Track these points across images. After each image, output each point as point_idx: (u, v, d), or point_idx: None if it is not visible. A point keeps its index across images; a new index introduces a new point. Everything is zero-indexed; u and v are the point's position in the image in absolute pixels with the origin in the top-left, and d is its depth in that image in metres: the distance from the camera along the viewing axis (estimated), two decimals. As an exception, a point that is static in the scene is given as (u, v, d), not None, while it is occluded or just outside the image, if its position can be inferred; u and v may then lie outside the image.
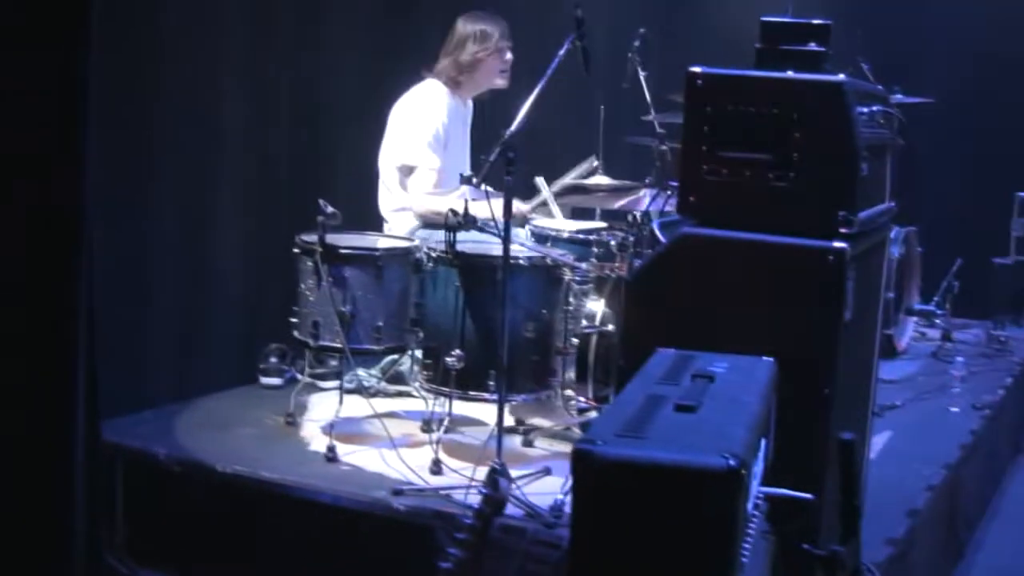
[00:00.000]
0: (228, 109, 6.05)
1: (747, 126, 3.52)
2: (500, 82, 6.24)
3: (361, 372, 5.89)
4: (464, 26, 6.18)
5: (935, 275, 7.55)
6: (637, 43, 6.08)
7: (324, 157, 6.69)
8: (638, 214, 5.30)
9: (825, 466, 3.48)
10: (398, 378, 6.04)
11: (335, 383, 5.98)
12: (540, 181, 6.04)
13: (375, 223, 6.08)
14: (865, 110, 3.58)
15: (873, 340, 4.12)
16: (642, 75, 6.16)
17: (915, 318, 7.46)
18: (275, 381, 6.12)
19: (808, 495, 3.17)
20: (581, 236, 5.63)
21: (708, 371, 3.18)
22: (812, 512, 3.36)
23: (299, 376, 6.09)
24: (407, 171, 6.03)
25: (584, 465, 2.60)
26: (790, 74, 3.53)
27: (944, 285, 7.34)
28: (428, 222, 5.98)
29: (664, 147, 6.10)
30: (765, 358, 3.36)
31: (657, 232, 3.83)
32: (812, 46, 3.60)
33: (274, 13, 6.27)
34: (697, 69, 3.58)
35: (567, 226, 5.80)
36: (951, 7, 8.49)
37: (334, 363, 6.07)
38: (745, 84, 3.56)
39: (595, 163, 6.22)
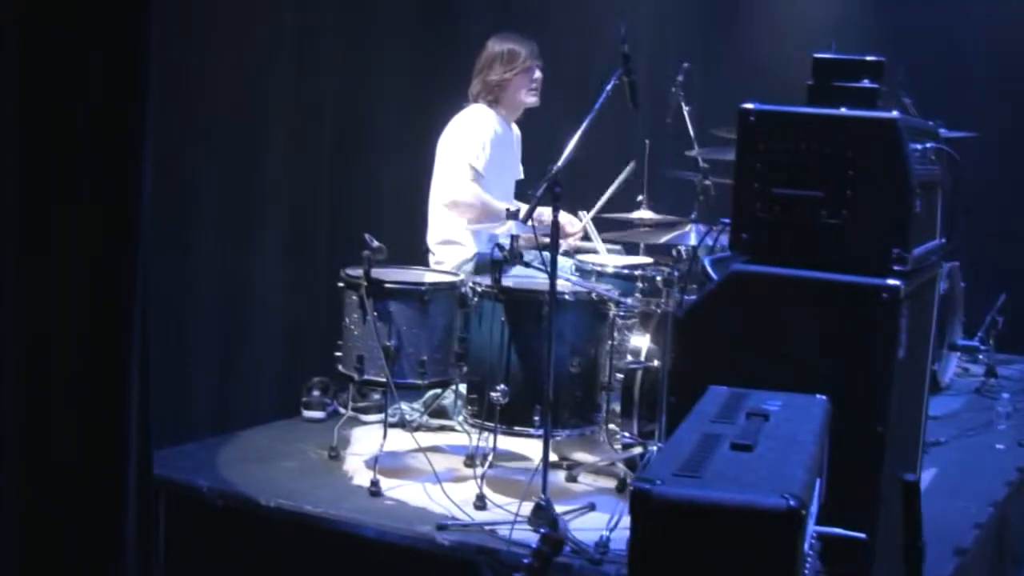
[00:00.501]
0: (271, 140, 6.07)
1: (800, 163, 3.51)
2: (530, 100, 6.26)
3: (404, 406, 5.88)
4: (492, 46, 6.22)
5: (977, 310, 7.50)
6: (680, 77, 6.09)
7: (368, 189, 6.70)
8: (683, 249, 5.28)
9: (878, 505, 3.45)
10: (441, 412, 6.04)
11: (378, 417, 6.02)
12: (584, 216, 6.05)
13: (419, 256, 6.08)
14: (919, 147, 3.56)
15: (924, 377, 4.09)
16: (685, 109, 6.16)
17: (958, 353, 7.42)
18: (317, 414, 6.12)
19: (860, 535, 3.15)
20: (626, 271, 5.63)
21: (762, 409, 3.16)
22: (865, 552, 3.33)
23: (341, 410, 6.10)
24: (454, 162, 6.07)
25: (643, 505, 2.57)
26: (843, 111, 3.52)
27: (988, 320, 7.29)
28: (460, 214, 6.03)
29: (708, 182, 6.09)
30: (819, 396, 3.34)
31: (708, 269, 3.81)
32: (865, 82, 3.59)
33: (318, 42, 6.30)
34: (750, 106, 3.57)
35: (611, 261, 5.80)
36: (991, 39, 8.45)
37: (377, 397, 6.08)
38: (798, 121, 3.56)
39: (633, 165, 6.21)
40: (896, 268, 3.43)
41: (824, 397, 3.34)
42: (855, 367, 3.46)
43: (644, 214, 6.01)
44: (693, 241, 5.13)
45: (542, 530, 3.60)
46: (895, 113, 3.47)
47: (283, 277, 6.21)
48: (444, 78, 6.80)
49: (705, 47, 8.70)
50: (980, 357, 7.43)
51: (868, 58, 3.63)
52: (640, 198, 6.03)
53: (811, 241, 3.52)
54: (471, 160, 6.02)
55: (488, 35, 6.32)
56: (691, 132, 6.21)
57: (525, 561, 3.03)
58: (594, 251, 6.08)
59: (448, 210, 6.05)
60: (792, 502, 2.52)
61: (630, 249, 6.34)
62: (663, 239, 5.22)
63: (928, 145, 3.65)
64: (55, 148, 3.24)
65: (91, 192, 3.26)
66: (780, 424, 3.08)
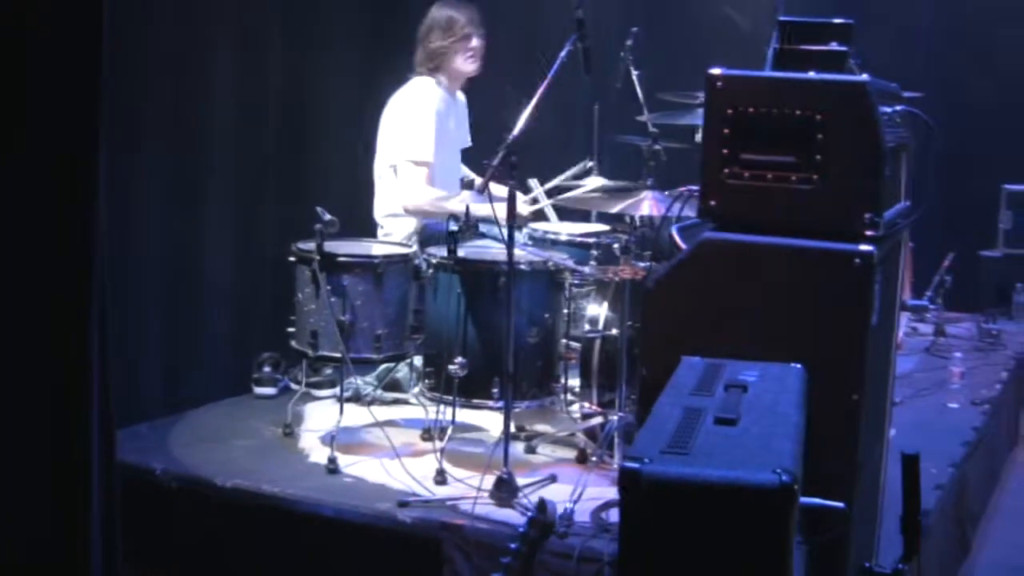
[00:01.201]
0: (216, 115, 5.94)
1: (769, 128, 3.43)
2: (469, 68, 6.14)
3: (357, 380, 5.79)
4: (433, 13, 6.11)
5: (924, 270, 7.50)
6: (630, 42, 6.01)
7: (313, 163, 6.58)
8: (638, 217, 5.22)
9: (855, 474, 3.40)
10: (395, 385, 5.95)
11: (330, 392, 5.94)
12: (534, 183, 5.96)
13: (366, 229, 5.97)
14: (888, 110, 3.50)
15: (891, 342, 4.05)
16: (635, 74, 6.08)
17: (908, 313, 7.42)
18: (269, 391, 6.01)
19: (839, 504, 3.11)
20: (579, 239, 5.56)
21: (741, 381, 3.11)
22: (843, 521, 3.28)
23: (293, 385, 6.01)
24: (401, 165, 5.93)
25: (632, 484, 2.51)
26: (812, 75, 3.44)
27: (936, 280, 7.30)
28: (424, 218, 5.90)
29: (658, 147, 6.02)
30: (794, 365, 3.29)
31: (677, 237, 3.73)
32: (833, 45, 3.52)
33: (264, 13, 6.15)
34: (717, 71, 3.49)
35: (564, 229, 5.72)
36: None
37: (329, 372, 5.99)
38: (767, 85, 3.48)
39: (588, 164, 6.15)
40: (868, 233, 3.37)
41: (799, 366, 3.29)
42: (829, 334, 3.39)
43: (595, 180, 5.93)
44: (647, 208, 5.07)
45: (529, 514, 3.51)
46: (865, 76, 3.40)
47: (229, 253, 6.10)
48: (391, 47, 6.68)
49: (649, 10, 8.61)
50: (928, 316, 7.44)
51: (836, 21, 3.56)
52: (590, 164, 5.95)
53: (782, 207, 3.44)
54: (420, 155, 5.90)
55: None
56: (640, 97, 6.13)
57: (512, 546, 2.94)
58: (545, 219, 5.99)
59: (393, 176, 5.94)
60: (785, 477, 2.47)
61: (581, 216, 6.26)
62: (618, 207, 5.14)
63: (897, 108, 3.59)
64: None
65: (48, 173, 3.15)
66: (760, 395, 3.03)
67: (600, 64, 6.17)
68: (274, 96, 6.29)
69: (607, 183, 5.90)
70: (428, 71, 6.05)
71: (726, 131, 3.47)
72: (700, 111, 5.82)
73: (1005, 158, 7.97)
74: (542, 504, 3.82)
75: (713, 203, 3.52)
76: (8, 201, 3.12)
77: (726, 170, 3.48)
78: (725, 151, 3.48)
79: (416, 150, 5.88)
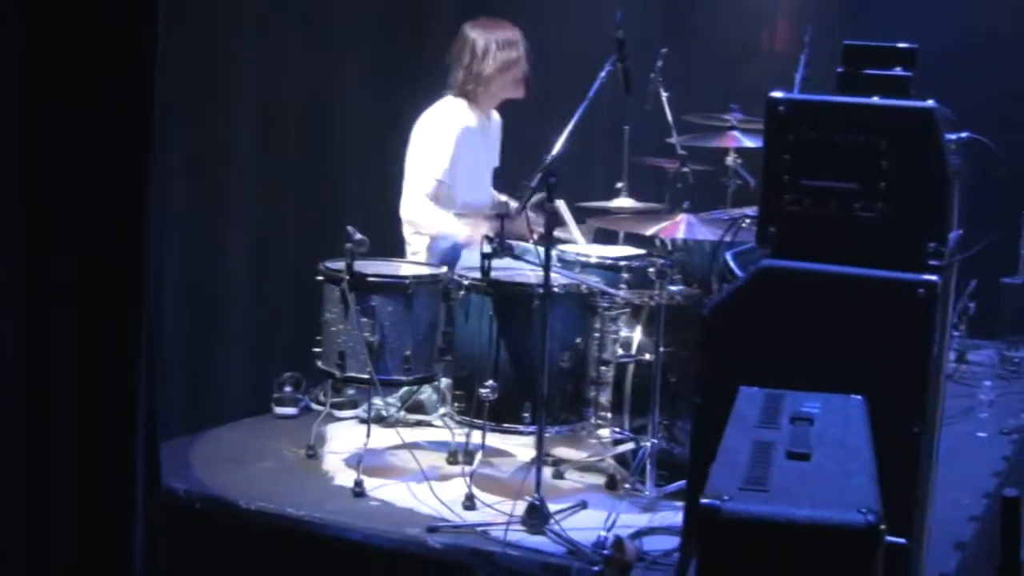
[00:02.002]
0: (237, 134, 5.83)
1: (832, 154, 3.36)
2: (518, 93, 5.98)
3: (379, 401, 5.69)
4: (481, 35, 5.86)
5: (947, 296, 7.42)
6: (660, 63, 5.92)
7: (336, 181, 6.48)
8: (671, 240, 5.16)
9: (915, 510, 3.32)
10: (418, 407, 5.85)
11: (352, 413, 5.86)
12: (561, 204, 5.87)
13: (388, 247, 5.87)
14: (952, 137, 3.43)
15: (943, 372, 3.96)
16: (664, 96, 6.00)
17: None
18: (290, 411, 5.91)
19: (901, 540, 3.02)
20: (609, 261, 5.48)
21: (806, 413, 3.02)
22: (904, 557, 3.20)
23: (314, 406, 5.92)
24: (410, 177, 5.84)
25: (711, 523, 2.41)
26: (877, 100, 3.37)
27: (960, 306, 7.22)
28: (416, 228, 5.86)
29: (686, 169, 5.96)
30: (854, 396, 3.20)
31: (732, 265, 3.66)
32: (898, 70, 3.44)
33: (284, 35, 6.06)
34: (779, 94, 3.41)
35: (594, 251, 5.64)
36: (965, 22, 8.31)
37: (352, 392, 5.89)
38: (830, 111, 3.40)
39: (618, 185, 6.07)
40: (932, 263, 3.29)
41: (860, 397, 3.20)
42: (890, 366, 3.32)
43: (624, 202, 5.85)
44: (683, 232, 4.99)
45: (605, 552, 3.41)
46: (931, 102, 3.33)
47: (250, 271, 5.99)
48: (413, 67, 6.63)
49: (670, 31, 8.52)
50: (951, 343, 7.36)
51: (900, 45, 3.49)
52: (619, 185, 5.88)
53: (843, 235, 3.37)
54: (428, 171, 5.79)
55: (459, 22, 6.07)
56: (669, 119, 6.05)
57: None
58: (571, 240, 5.90)
59: (406, 223, 5.85)
60: (870, 517, 2.38)
61: (607, 238, 6.18)
62: (653, 229, 5.06)
63: (962, 135, 3.52)
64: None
65: (100, 198, 3.08)
66: (827, 428, 2.94)
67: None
68: (295, 115, 6.18)
69: (636, 204, 5.82)
70: (464, 93, 5.90)
71: (787, 157, 3.40)
72: (729, 134, 5.77)
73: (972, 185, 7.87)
74: (619, 543, 3.72)
75: (772, 230, 3.45)
76: (58, 218, 3.06)
77: (787, 196, 3.41)
78: (786, 177, 3.40)
79: (426, 165, 5.77)
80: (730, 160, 5.93)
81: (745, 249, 3.82)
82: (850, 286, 3.36)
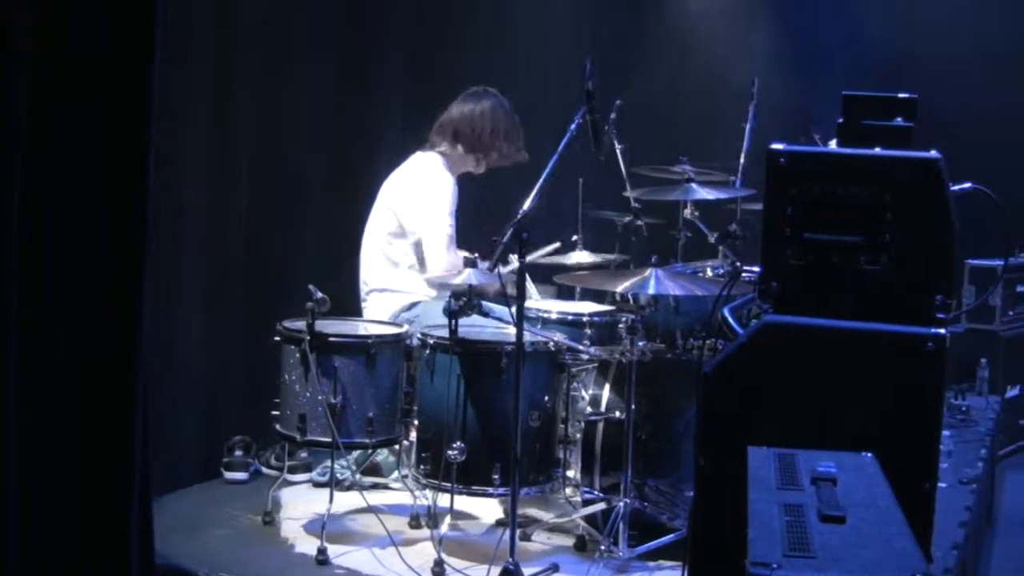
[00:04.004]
0: (185, 194, 5.65)
1: (835, 207, 3.31)
2: (482, 169, 5.97)
3: (334, 463, 5.53)
4: (501, 113, 5.87)
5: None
6: (613, 115, 5.87)
7: (284, 240, 6.32)
8: (635, 295, 5.11)
9: (930, 567, 3.25)
10: (374, 470, 5.72)
11: (305, 476, 5.71)
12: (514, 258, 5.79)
13: (344, 307, 5.74)
14: (956, 187, 3.40)
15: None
16: (618, 148, 5.95)
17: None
18: (240, 476, 5.74)
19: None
20: (571, 317, 5.40)
21: (827, 473, 2.95)
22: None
23: (264, 470, 5.77)
24: (430, 237, 5.68)
25: (764, 592, 2.33)
26: (879, 151, 3.33)
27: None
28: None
29: (640, 223, 5.92)
30: (866, 454, 3.15)
31: (730, 320, 3.60)
32: (899, 121, 3.40)
33: (235, 93, 5.90)
34: (779, 147, 3.36)
35: (554, 307, 5.55)
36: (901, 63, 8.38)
37: (304, 455, 5.73)
38: (832, 163, 3.36)
39: (558, 245, 6.00)
40: (939, 316, 3.25)
41: (871, 455, 3.15)
42: (899, 421, 3.27)
43: (580, 255, 5.78)
44: (652, 288, 4.92)
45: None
46: (935, 153, 3.29)
47: (197, 330, 5.80)
48: (363, 125, 6.52)
49: (622, 84, 8.49)
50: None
51: (901, 95, 3.45)
52: (575, 238, 5.80)
53: (848, 289, 3.32)
54: (447, 231, 5.67)
55: (404, 81, 6.01)
56: (624, 171, 6.00)
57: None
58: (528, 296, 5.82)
59: (436, 288, 5.71)
60: (926, 582, 2.31)
61: (560, 293, 6.11)
62: (623, 286, 4.99)
63: (967, 186, 3.49)
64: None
65: (94, 252, 2.98)
66: (850, 489, 2.88)
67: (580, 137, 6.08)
68: (245, 174, 6.02)
69: (593, 258, 5.75)
70: (455, 159, 5.85)
71: (789, 210, 3.35)
72: (686, 186, 5.73)
73: (966, 233, 7.94)
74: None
75: (774, 284, 3.38)
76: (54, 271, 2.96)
77: (789, 250, 3.35)
78: (788, 230, 3.35)
79: (443, 222, 5.65)
80: (687, 213, 5.87)
81: (740, 303, 3.75)
82: (856, 341, 3.31)
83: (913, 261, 3.29)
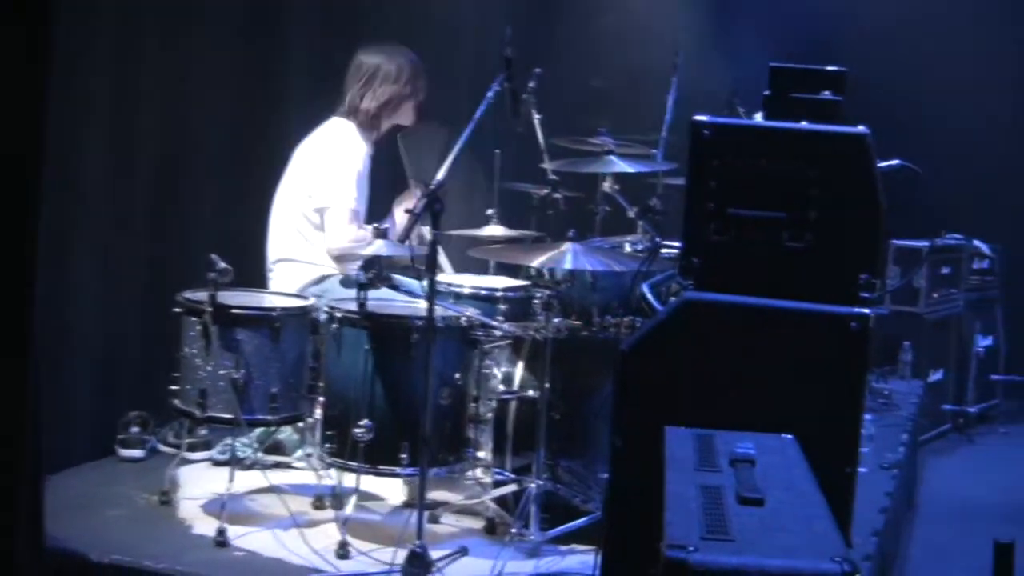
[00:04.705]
0: (85, 160, 5.58)
1: (759, 182, 3.33)
2: (410, 120, 5.96)
3: (235, 442, 5.49)
4: (382, 61, 5.84)
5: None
6: (532, 84, 5.85)
7: (186, 208, 6.24)
8: (551, 270, 5.12)
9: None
10: (277, 448, 5.69)
11: (204, 454, 5.67)
12: (427, 231, 5.78)
13: (247, 280, 5.68)
14: (883, 164, 3.43)
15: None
16: (536, 118, 5.94)
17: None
18: (136, 453, 5.68)
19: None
20: (484, 292, 5.39)
21: (744, 454, 2.98)
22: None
23: (162, 447, 5.72)
24: (330, 209, 5.66)
25: (680, 575, 2.34)
26: (806, 125, 3.35)
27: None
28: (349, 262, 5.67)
29: (557, 195, 5.92)
30: (786, 436, 3.18)
31: (649, 297, 3.61)
32: (826, 94, 3.43)
33: (135, 54, 5.82)
34: (703, 118, 3.37)
35: (467, 282, 5.55)
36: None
37: (204, 432, 5.69)
38: (757, 136, 3.38)
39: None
40: (864, 295, 3.28)
41: (791, 437, 3.18)
42: (821, 403, 3.31)
43: (495, 229, 5.77)
44: (569, 263, 4.93)
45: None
46: (862, 128, 3.32)
47: (94, 301, 5.73)
48: (272, 89, 6.47)
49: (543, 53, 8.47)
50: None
51: (829, 68, 3.48)
52: (490, 212, 5.79)
53: (771, 266, 3.35)
54: (351, 204, 5.66)
55: (320, 43, 5.94)
56: (542, 143, 5.99)
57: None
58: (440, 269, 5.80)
59: (335, 260, 5.68)
60: (846, 566, 2.35)
61: (475, 267, 6.09)
62: (538, 260, 5.00)
63: (895, 163, 3.53)
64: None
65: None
66: (770, 470, 2.92)
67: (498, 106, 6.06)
68: (148, 141, 5.94)
69: (508, 232, 5.74)
70: (359, 118, 5.82)
71: (712, 184, 3.36)
72: (605, 158, 5.74)
73: (892, 213, 8.03)
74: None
75: (696, 260, 3.40)
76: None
77: (711, 225, 3.38)
78: (711, 205, 3.37)
79: (345, 191, 5.64)
80: (607, 186, 5.87)
81: (660, 280, 3.77)
82: (778, 320, 3.34)
83: (838, 239, 3.32)
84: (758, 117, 3.52)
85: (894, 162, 3.53)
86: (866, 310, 3.28)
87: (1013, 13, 8.77)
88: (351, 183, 5.65)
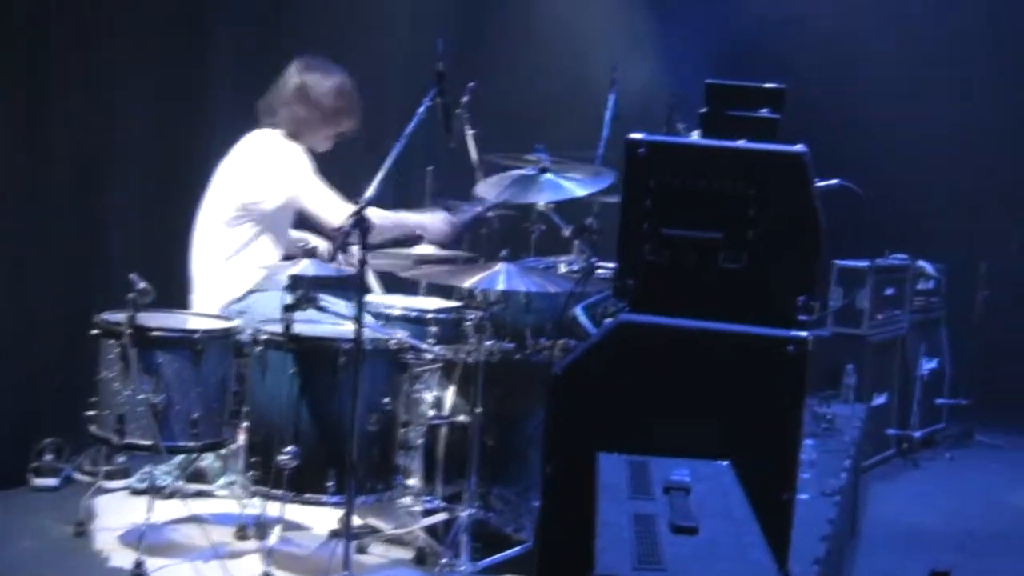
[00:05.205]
0: None
1: (695, 201, 3.36)
2: (325, 147, 5.93)
3: (155, 469, 5.46)
4: (317, 82, 5.81)
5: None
6: (466, 98, 5.88)
7: (105, 226, 6.21)
8: (484, 291, 5.13)
9: (784, 581, 3.33)
10: (198, 476, 5.66)
11: (123, 483, 5.64)
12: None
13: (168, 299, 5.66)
14: (822, 183, 3.47)
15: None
16: (470, 134, 5.96)
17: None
18: (50, 482, 5.65)
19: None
20: (416, 314, 5.40)
21: (679, 482, 3.00)
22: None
23: (77, 475, 5.69)
24: (308, 197, 5.64)
25: (611, 607, 2.36)
26: (743, 144, 3.39)
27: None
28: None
29: (491, 214, 5.94)
30: (722, 462, 3.21)
31: (582, 319, 3.63)
32: (764, 112, 3.47)
33: (50, 66, 5.79)
34: (638, 136, 3.40)
35: (398, 303, 5.55)
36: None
37: (122, 460, 5.66)
38: (694, 154, 3.41)
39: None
40: (802, 318, 3.32)
41: (727, 463, 3.21)
42: (758, 428, 3.33)
43: (426, 249, 5.78)
44: (503, 284, 4.95)
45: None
46: (801, 147, 3.36)
47: (6, 323, 5.69)
48: (192, 104, 6.45)
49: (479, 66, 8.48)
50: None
51: (767, 86, 3.52)
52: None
53: (708, 287, 3.38)
54: (322, 184, 5.66)
55: (237, 58, 5.94)
56: (475, 159, 6.02)
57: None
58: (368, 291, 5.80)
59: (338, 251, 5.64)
60: (780, 597, 2.37)
61: (406, 288, 6.11)
62: (471, 281, 5.00)
63: (834, 182, 3.57)
64: None
65: None
66: (705, 499, 2.94)
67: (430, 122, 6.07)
68: (64, 150, 5.92)
69: (439, 252, 5.76)
70: (289, 135, 5.80)
71: (648, 203, 3.39)
72: (543, 177, 5.76)
73: (835, 232, 8.11)
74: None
75: (630, 282, 3.43)
76: None
77: (647, 246, 3.40)
78: (646, 225, 3.39)
79: (313, 180, 5.66)
80: (541, 205, 5.90)
81: (594, 301, 3.79)
82: (714, 342, 3.37)
83: (776, 260, 3.35)
84: (695, 135, 3.55)
85: (833, 181, 3.58)
86: (804, 333, 3.31)
87: (956, 34, 8.88)
88: (307, 171, 5.66)
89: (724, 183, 3.35)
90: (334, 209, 5.54)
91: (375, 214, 5.31)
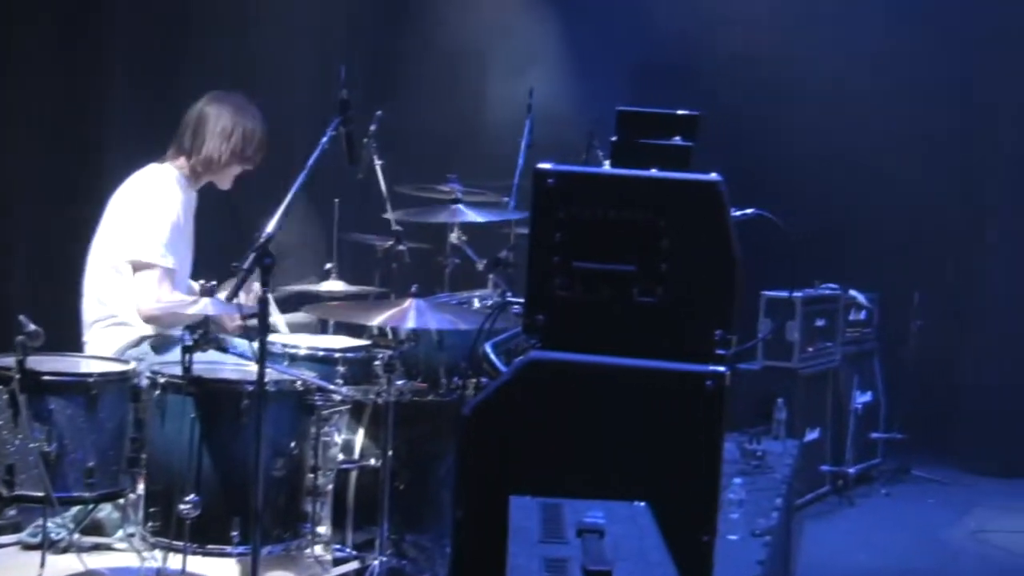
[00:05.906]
0: None
1: (607, 233, 3.40)
2: (227, 185, 5.95)
3: (49, 522, 5.43)
4: (227, 117, 5.82)
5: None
6: (373, 127, 5.91)
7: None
8: (394, 329, 5.16)
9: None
10: (95, 528, 5.63)
11: (14, 537, 5.60)
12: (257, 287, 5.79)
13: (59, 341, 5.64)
14: (738, 213, 3.53)
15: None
16: (378, 164, 6.00)
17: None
18: (-68, 538, 5.59)
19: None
20: (323, 354, 5.41)
21: (592, 524, 3.04)
22: None
23: (-38, 532, 5.63)
24: (139, 266, 5.61)
25: (519, 656, 2.39)
26: (655, 172, 3.44)
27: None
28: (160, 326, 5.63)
29: (402, 247, 5.97)
30: (638, 504, 3.24)
31: (492, 357, 3.66)
32: (677, 140, 3.52)
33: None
34: (547, 166, 3.44)
35: (303, 342, 5.56)
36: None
37: (12, 512, 5.61)
38: (604, 185, 3.45)
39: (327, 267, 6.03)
40: (719, 352, 3.37)
41: (644, 504, 3.25)
42: (676, 467, 3.37)
43: (334, 285, 5.80)
44: (412, 322, 4.97)
45: None
46: (715, 175, 3.41)
47: None
48: (87, 137, 6.43)
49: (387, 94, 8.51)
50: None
51: (680, 112, 3.57)
52: (329, 266, 5.82)
53: (621, 322, 3.41)
54: (161, 261, 5.61)
55: (136, 89, 5.92)
56: (384, 190, 6.05)
57: None
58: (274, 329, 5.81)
59: (146, 322, 5.63)
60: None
61: (312, 327, 6.12)
62: (380, 318, 5.03)
63: (750, 211, 3.63)
64: None
65: None
66: (620, 541, 2.97)
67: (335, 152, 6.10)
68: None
69: (348, 288, 5.78)
70: (190, 171, 5.81)
71: (557, 236, 3.42)
72: (454, 207, 5.81)
73: (762, 262, 8.20)
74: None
75: (540, 317, 3.46)
76: None
77: (557, 280, 3.43)
78: (556, 258, 3.43)
79: (156, 250, 5.61)
80: (454, 237, 5.95)
81: (505, 338, 3.83)
82: (629, 379, 3.40)
83: (691, 293, 3.40)
84: (607, 165, 3.60)
85: (749, 210, 3.63)
86: (721, 367, 3.36)
87: (880, 56, 9.01)
88: (163, 235, 5.62)
89: (636, 214, 3.39)
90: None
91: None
